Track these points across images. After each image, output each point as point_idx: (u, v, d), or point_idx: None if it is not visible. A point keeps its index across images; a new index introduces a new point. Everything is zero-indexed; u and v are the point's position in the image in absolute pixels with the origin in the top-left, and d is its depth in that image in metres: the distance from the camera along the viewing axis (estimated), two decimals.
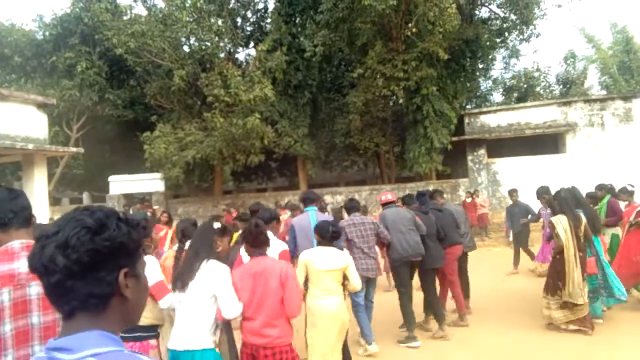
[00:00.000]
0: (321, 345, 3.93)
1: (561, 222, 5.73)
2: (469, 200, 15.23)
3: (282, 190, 19.95)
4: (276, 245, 3.99)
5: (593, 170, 15.44)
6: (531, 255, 9.67)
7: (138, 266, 1.05)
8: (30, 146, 10.37)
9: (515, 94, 25.18)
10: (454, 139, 16.49)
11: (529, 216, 9.55)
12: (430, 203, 6.71)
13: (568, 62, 26.65)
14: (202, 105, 16.30)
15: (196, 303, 3.04)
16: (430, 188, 11.66)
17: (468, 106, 20.89)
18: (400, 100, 16.78)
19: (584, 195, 6.94)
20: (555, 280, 5.77)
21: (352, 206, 5.88)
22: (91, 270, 0.96)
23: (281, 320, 3.22)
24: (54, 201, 20.87)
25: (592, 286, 6.00)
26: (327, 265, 3.99)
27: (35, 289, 1.84)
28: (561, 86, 26.46)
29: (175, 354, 3.03)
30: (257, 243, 3.36)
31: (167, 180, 16.91)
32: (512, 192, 10.34)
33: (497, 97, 26.02)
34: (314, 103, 18.03)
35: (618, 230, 8.01)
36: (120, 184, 17.36)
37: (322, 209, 7.56)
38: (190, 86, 16.01)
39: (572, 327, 5.71)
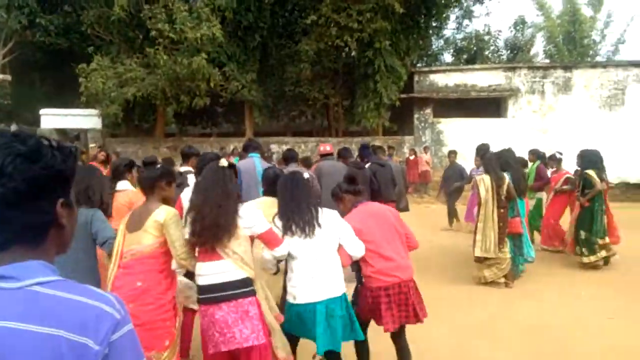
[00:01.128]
0: None
1: (484, 182, 6.08)
2: (412, 157, 15.57)
3: (228, 137, 19.48)
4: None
5: (530, 135, 16.14)
6: (454, 214, 10.17)
7: (71, 195, 1.02)
8: None
9: (465, 56, 25.53)
10: (403, 95, 16.59)
11: (463, 179, 9.98)
12: (373, 157, 6.78)
13: (517, 27, 27.18)
14: (144, 40, 15.27)
15: (326, 250, 3.08)
16: (377, 143, 11.78)
17: (419, 64, 20.97)
18: (353, 53, 16.54)
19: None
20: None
21: (290, 156, 5.80)
22: (29, 199, 0.93)
23: (407, 253, 3.50)
24: None
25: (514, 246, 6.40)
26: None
27: None
28: (509, 51, 27.07)
29: (311, 306, 2.98)
30: (361, 190, 3.66)
31: (105, 118, 15.95)
32: (450, 154, 10.73)
33: (447, 57, 26.28)
34: (265, 48, 17.39)
35: (543, 195, 8.49)
36: (53, 118, 16.22)
37: (266, 158, 7.45)
38: (132, 17, 14.89)
39: (500, 281, 6.16)
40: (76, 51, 16.68)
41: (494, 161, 6.30)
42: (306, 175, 3.36)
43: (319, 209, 3.17)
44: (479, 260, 6.13)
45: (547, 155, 8.79)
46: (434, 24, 19.97)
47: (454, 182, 10.10)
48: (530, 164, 8.41)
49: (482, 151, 8.03)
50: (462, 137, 16.42)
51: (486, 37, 25.93)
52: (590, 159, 7.16)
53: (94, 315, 0.90)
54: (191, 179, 4.86)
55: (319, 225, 3.08)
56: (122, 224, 3.09)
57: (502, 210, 6.06)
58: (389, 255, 3.32)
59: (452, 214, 10.25)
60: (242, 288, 2.82)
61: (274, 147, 16.52)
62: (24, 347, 0.85)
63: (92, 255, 3.30)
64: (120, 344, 0.91)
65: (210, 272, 2.85)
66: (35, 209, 0.94)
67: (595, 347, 4.42)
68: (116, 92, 14.23)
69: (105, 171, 7.14)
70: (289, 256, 3.08)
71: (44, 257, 0.96)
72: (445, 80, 17.62)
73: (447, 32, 25.24)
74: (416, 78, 17.65)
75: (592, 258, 6.94)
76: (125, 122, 17.18)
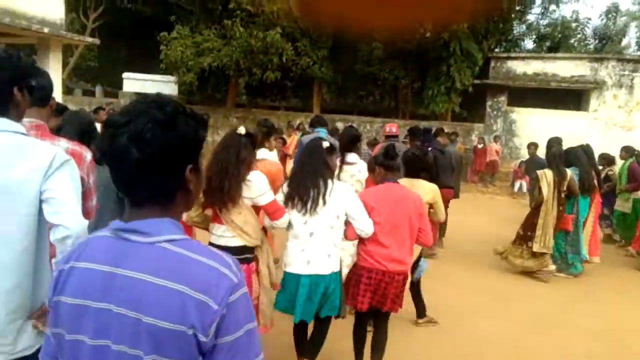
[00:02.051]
0: None
1: (546, 177, 5.92)
2: (480, 146, 15.10)
3: (295, 111, 19.74)
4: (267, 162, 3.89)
5: (612, 132, 15.14)
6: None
7: (199, 161, 1.07)
8: (46, 30, 10.15)
9: (548, 43, 24.04)
10: (476, 81, 16.02)
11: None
12: (434, 142, 6.71)
13: (609, 15, 25.21)
14: (223, 11, 15.69)
15: (324, 227, 3.06)
16: (445, 129, 11.52)
17: (496, 49, 20.06)
18: (428, 34, 16.11)
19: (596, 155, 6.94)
20: (527, 232, 6.07)
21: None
22: (163, 165, 0.98)
23: (411, 248, 3.34)
24: (67, 90, 20.76)
25: (564, 242, 6.24)
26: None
27: None
28: (597, 41, 25.23)
29: (296, 277, 3.04)
30: (393, 168, 3.42)
31: (181, 85, 16.69)
32: (530, 146, 10.32)
33: (529, 44, 24.91)
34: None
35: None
36: (134, 82, 17.18)
37: (332, 134, 7.54)
38: None
39: (537, 275, 6.10)
40: (159, 19, 17.45)
41: (557, 156, 6.13)
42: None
43: (329, 182, 3.07)
44: (538, 255, 5.99)
45: None
46: (517, 8, 18.98)
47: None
48: (621, 162, 7.94)
49: (553, 144, 7.69)
50: (536, 128, 15.66)
51: (573, 25, 24.27)
52: None
53: (215, 276, 0.96)
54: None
55: (324, 202, 3.02)
56: None
57: (560, 208, 5.95)
58: (385, 243, 3.20)
59: None
60: (236, 255, 2.90)
61: (339, 125, 16.56)
62: (155, 298, 0.93)
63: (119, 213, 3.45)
64: (235, 306, 0.97)
65: (217, 233, 2.99)
66: (167, 174, 1.00)
67: None
68: (193, 61, 14.81)
69: None
70: (288, 224, 3.11)
71: (172, 215, 1.03)
72: (523, 67, 16.78)
73: (531, 17, 23.88)
74: (492, 64, 16.94)
75: None
76: (199, 90, 17.85)
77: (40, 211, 1.62)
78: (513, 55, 17.95)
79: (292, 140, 9.99)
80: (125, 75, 17.27)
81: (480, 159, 15.02)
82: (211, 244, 3.03)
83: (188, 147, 1.02)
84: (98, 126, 4.24)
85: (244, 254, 2.91)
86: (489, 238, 7.76)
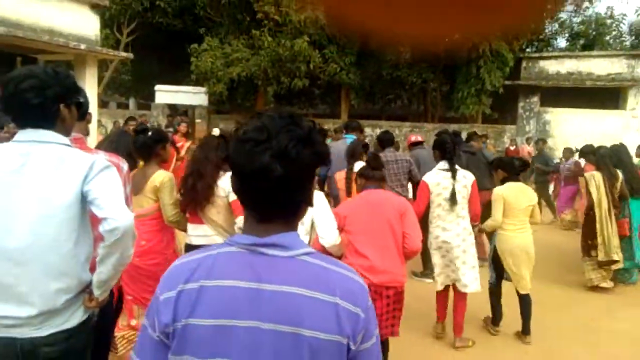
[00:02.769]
0: None
1: (595, 179, 5.62)
2: (512, 147, 14.79)
3: (324, 118, 19.81)
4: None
5: None
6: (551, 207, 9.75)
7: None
8: (83, 46, 10.52)
9: (582, 41, 23.35)
10: (507, 82, 15.72)
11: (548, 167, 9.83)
12: (465, 145, 6.59)
13: None
14: (251, 21, 15.93)
15: None
16: (477, 131, 11.36)
17: (528, 49, 19.64)
18: (456, 35, 15.91)
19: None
20: (588, 240, 5.71)
21: (387, 139, 5.51)
22: (298, 180, 0.99)
23: (398, 256, 3.03)
24: (102, 104, 21.45)
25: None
26: None
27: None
28: (633, 37, 24.37)
29: None
30: (374, 178, 3.18)
31: (211, 95, 16.99)
32: (539, 141, 10.53)
33: (562, 42, 24.27)
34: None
35: None
36: (166, 94, 17.59)
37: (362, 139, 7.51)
38: (240, 0, 15.60)
39: (604, 284, 5.72)
40: (189, 32, 17.84)
41: (607, 157, 5.84)
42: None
43: None
44: (603, 264, 5.69)
45: None
46: (548, 6, 18.53)
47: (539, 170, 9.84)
48: None
49: (585, 153, 7.43)
50: (571, 128, 15.25)
51: (608, 21, 23.52)
52: None
53: (359, 286, 1.00)
54: None
55: None
56: None
57: (615, 211, 5.63)
58: (364, 252, 2.96)
59: (552, 206, 9.74)
60: None
61: (368, 130, 16.51)
62: (312, 310, 0.93)
63: None
64: (372, 312, 1.01)
65: (194, 234, 3.09)
66: (299, 189, 1.01)
67: None
68: (222, 71, 15.06)
69: (188, 143, 7.70)
70: None
71: (294, 228, 1.04)
72: (557, 67, 16.37)
73: (563, 14, 23.28)
74: (524, 64, 16.59)
75: None
76: (229, 100, 18.12)
77: (80, 214, 1.72)
78: (545, 54, 17.55)
79: None
80: (157, 87, 17.71)
81: None
82: (190, 245, 3.13)
83: (319, 163, 1.03)
84: None
85: None
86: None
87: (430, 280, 5.61)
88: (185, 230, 3.22)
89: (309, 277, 0.96)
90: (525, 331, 4.24)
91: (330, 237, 2.90)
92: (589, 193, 5.70)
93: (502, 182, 4.28)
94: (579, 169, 8.40)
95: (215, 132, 3.08)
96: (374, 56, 17.99)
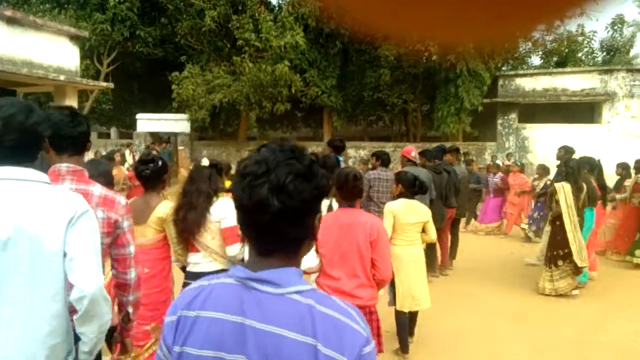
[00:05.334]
0: None
1: (564, 190, 5.80)
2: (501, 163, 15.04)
3: (306, 141, 19.92)
4: None
5: (627, 143, 14.94)
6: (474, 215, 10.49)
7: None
8: (62, 77, 10.50)
9: (555, 58, 24.08)
10: (486, 100, 16.05)
11: (479, 184, 10.55)
12: (443, 162, 6.72)
13: (615, 27, 25.21)
14: (231, 48, 16.11)
15: None
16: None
17: (504, 68, 20.14)
18: (434, 57, 16.29)
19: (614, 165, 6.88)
20: (557, 249, 5.87)
21: (386, 159, 5.94)
22: (299, 216, 0.98)
23: (368, 279, 2.97)
24: None
25: None
26: None
27: (100, 214, 1.99)
28: (604, 53, 25.18)
29: None
30: (351, 195, 3.07)
31: (193, 122, 17.01)
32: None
33: (536, 60, 24.95)
34: (345, 54, 17.63)
35: None
36: (148, 122, 17.55)
37: (345, 160, 7.59)
38: (220, 28, 15.78)
39: (574, 292, 5.92)
40: (170, 60, 17.96)
41: (576, 169, 6.10)
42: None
43: None
44: (568, 274, 5.83)
45: None
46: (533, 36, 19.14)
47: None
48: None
49: (565, 152, 7.61)
50: (549, 143, 15.52)
51: (579, 39, 24.30)
52: None
53: (350, 333, 0.95)
54: None
55: None
56: None
57: (579, 219, 5.90)
58: (335, 275, 2.93)
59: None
60: None
61: (351, 152, 16.66)
62: (291, 351, 0.92)
63: None
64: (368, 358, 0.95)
65: (192, 261, 3.09)
66: (300, 224, 0.99)
67: None
68: (204, 98, 15.13)
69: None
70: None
71: (296, 263, 1.03)
72: (532, 84, 16.79)
73: (536, 33, 23.97)
74: (501, 82, 16.99)
75: None
76: (211, 126, 18.17)
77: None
78: (521, 72, 18.00)
79: None
80: (138, 116, 17.68)
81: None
82: (188, 273, 3.11)
83: (321, 198, 1.02)
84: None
85: None
86: (508, 256, 7.64)
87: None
88: (186, 264, 3.19)
89: (292, 317, 0.95)
90: (404, 349, 4.12)
91: (309, 260, 2.83)
92: (556, 202, 5.88)
93: (398, 196, 4.26)
94: (505, 184, 9.90)
95: (205, 162, 3.07)
96: (355, 78, 18.27)
